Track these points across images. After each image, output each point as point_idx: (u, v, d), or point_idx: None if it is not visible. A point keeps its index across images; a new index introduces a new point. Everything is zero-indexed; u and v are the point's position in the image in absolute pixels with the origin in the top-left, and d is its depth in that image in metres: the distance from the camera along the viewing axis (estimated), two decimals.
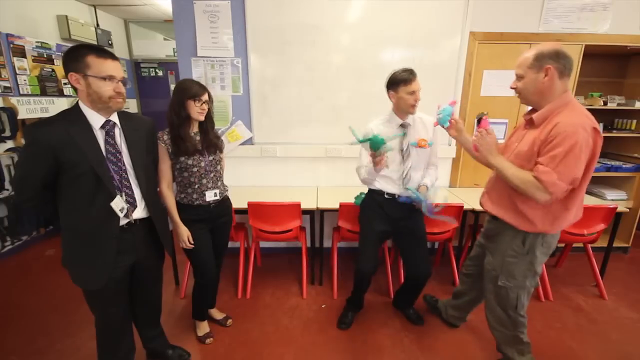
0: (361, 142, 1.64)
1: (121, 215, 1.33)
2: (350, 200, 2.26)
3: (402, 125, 1.87)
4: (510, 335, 1.68)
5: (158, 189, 1.67)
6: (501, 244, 1.58)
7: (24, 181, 1.26)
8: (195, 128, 1.74)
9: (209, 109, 1.72)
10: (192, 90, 1.63)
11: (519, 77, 1.43)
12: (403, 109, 1.82)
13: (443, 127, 1.73)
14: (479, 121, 1.61)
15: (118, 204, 1.32)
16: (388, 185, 1.91)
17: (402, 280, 2.34)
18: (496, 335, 1.74)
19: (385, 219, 1.94)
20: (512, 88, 1.49)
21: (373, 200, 1.97)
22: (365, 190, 2.05)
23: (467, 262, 1.94)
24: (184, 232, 1.73)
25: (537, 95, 1.40)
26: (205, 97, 1.67)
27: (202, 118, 1.69)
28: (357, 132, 1.64)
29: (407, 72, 1.76)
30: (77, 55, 1.20)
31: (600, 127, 3.23)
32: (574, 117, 1.31)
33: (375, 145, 1.61)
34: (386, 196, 1.92)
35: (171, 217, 1.73)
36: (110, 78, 1.24)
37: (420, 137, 1.86)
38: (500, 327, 1.69)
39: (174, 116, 1.65)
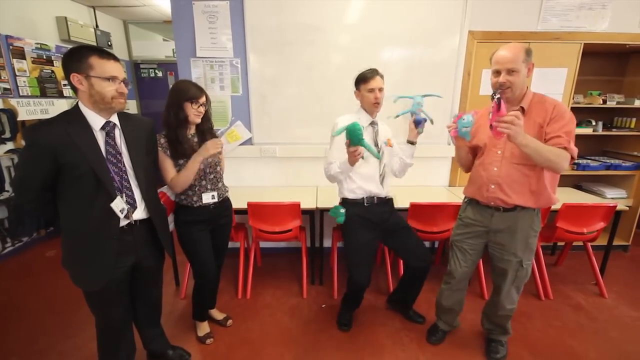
0: (339, 132, 1.59)
1: (121, 216, 1.33)
2: None
3: (372, 124, 1.90)
4: (514, 309, 1.78)
5: (158, 190, 1.66)
6: (523, 230, 1.62)
7: (24, 183, 1.26)
8: (192, 130, 1.74)
9: (206, 110, 1.72)
10: (189, 92, 1.62)
11: (513, 72, 1.46)
12: (367, 108, 1.87)
13: (464, 138, 1.61)
14: (498, 104, 1.40)
15: (118, 204, 1.32)
16: (367, 183, 1.89)
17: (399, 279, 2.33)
18: (506, 314, 1.79)
19: (371, 225, 1.92)
20: (502, 83, 1.47)
21: (354, 214, 1.92)
22: (338, 202, 2.02)
23: (464, 271, 1.83)
24: (207, 145, 1.64)
25: (521, 88, 1.52)
26: (202, 99, 1.66)
27: (198, 120, 1.69)
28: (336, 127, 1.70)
29: (369, 70, 1.83)
30: (79, 56, 1.20)
31: (599, 125, 3.24)
32: (559, 101, 1.52)
33: (353, 134, 1.55)
34: (366, 204, 1.91)
35: (192, 161, 1.65)
36: (113, 79, 1.24)
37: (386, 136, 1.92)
38: (512, 305, 1.77)
39: (172, 118, 1.64)
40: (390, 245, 2.06)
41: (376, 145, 1.89)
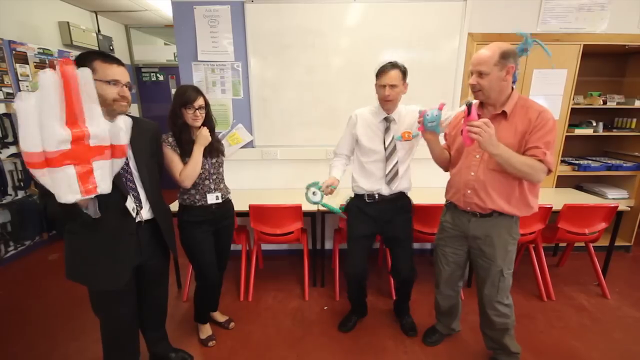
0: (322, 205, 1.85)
1: (134, 214, 1.38)
2: None
3: (386, 119, 1.83)
4: (510, 323, 1.68)
5: (168, 187, 1.68)
6: (500, 237, 1.58)
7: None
8: (195, 133, 1.75)
9: (208, 113, 1.73)
10: (184, 97, 1.65)
11: (483, 74, 1.42)
12: (380, 103, 1.82)
13: (434, 132, 1.60)
14: (469, 109, 1.42)
15: (130, 204, 1.36)
16: (369, 181, 1.87)
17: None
18: (499, 328, 1.70)
19: (369, 222, 1.91)
20: (472, 85, 1.48)
21: (356, 205, 1.95)
22: (344, 201, 2.04)
23: (447, 276, 1.81)
24: (202, 134, 1.69)
25: (497, 92, 1.46)
26: (198, 103, 1.66)
27: (197, 124, 1.69)
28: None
29: (384, 65, 1.73)
30: (84, 61, 1.24)
31: (600, 125, 3.22)
32: (543, 107, 1.46)
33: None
34: (367, 200, 1.89)
35: (195, 152, 1.69)
36: (115, 82, 1.26)
37: (405, 129, 1.79)
38: (504, 319, 1.67)
39: (172, 123, 1.68)
40: (387, 247, 2.08)
41: (384, 145, 1.82)
